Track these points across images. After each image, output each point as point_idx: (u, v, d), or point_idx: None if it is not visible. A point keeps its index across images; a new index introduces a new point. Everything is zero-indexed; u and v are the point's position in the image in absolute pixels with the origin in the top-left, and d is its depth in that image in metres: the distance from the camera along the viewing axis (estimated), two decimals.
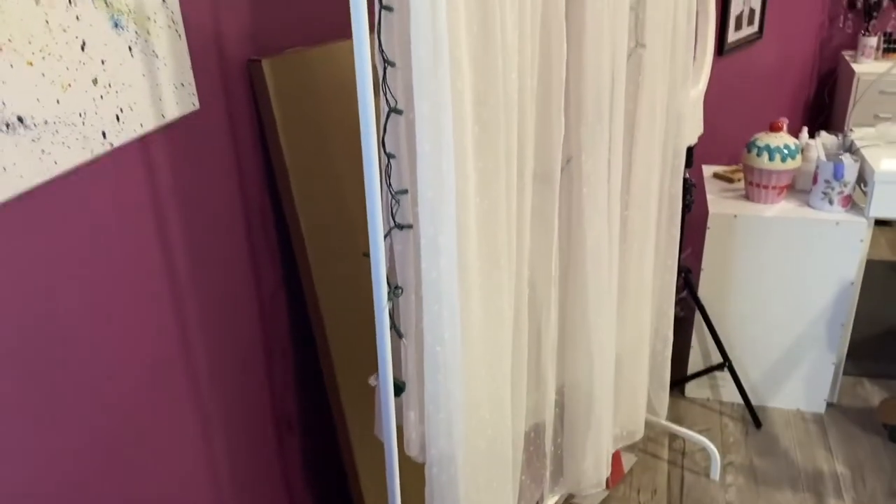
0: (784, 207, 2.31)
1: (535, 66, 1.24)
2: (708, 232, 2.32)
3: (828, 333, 2.35)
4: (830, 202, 2.25)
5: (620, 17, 1.42)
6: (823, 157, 2.25)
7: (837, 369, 2.42)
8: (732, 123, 3.00)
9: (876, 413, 2.41)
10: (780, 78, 3.50)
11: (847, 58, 3.82)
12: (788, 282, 2.32)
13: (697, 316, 2.41)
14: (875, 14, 3.71)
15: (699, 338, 2.45)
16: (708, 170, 2.61)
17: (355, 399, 1.47)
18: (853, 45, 3.83)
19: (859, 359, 2.67)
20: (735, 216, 2.29)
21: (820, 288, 2.30)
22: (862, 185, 2.24)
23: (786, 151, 2.25)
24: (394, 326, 1.19)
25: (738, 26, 2.90)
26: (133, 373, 1.03)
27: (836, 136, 2.42)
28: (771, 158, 2.25)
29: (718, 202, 2.36)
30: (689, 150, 2.24)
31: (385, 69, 1.05)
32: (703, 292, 2.39)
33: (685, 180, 2.29)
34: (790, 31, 3.46)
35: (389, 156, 1.10)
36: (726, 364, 2.38)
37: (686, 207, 2.32)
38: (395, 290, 1.15)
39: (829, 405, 2.47)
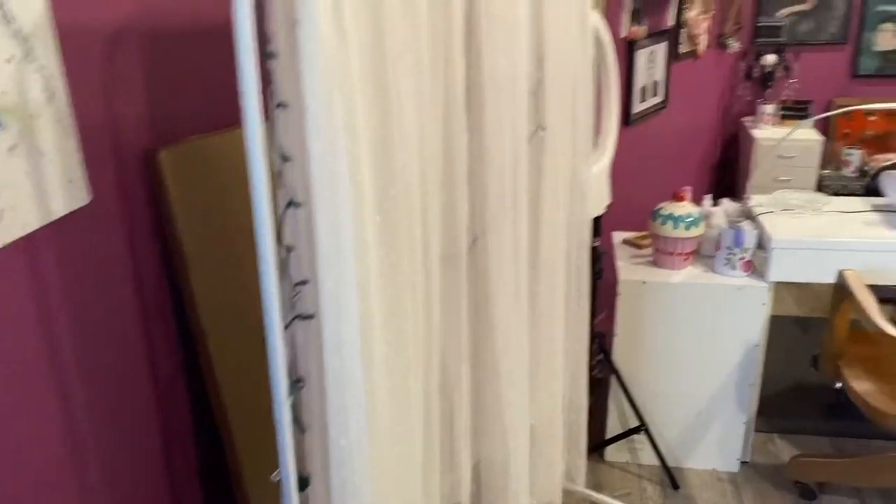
0: (690, 273, 2.39)
1: (437, 153, 1.27)
2: (618, 298, 2.38)
3: (737, 394, 2.42)
4: (733, 267, 2.35)
5: (520, 102, 1.47)
6: (725, 225, 2.36)
7: (749, 428, 2.49)
8: (642, 190, 3.11)
9: (786, 470, 2.48)
10: (687, 144, 3.67)
11: (747, 124, 4.05)
12: (698, 344, 2.39)
13: (614, 379, 2.45)
14: (770, 83, 3.95)
15: (616, 401, 2.49)
16: (619, 236, 2.69)
17: (262, 493, 1.42)
18: (753, 111, 4.06)
19: (770, 416, 2.76)
20: (644, 282, 2.36)
21: (727, 350, 2.38)
22: (761, 251, 2.35)
23: (689, 220, 2.34)
24: (296, 420, 1.16)
25: (644, 97, 3.04)
26: (20, 483, 0.97)
27: (738, 202, 2.55)
28: (675, 227, 2.34)
29: (628, 269, 2.43)
30: (598, 220, 2.32)
31: (282, 163, 1.05)
32: (618, 356, 2.44)
33: (594, 249, 2.35)
34: (694, 100, 3.65)
35: (289, 248, 1.09)
36: (643, 427, 2.42)
37: (596, 275, 2.38)
38: (295, 383, 1.13)
39: (743, 464, 2.53)
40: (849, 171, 3.93)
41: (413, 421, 1.27)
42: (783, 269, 2.29)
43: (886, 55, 3.96)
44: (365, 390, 1.13)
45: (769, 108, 3.92)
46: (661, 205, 2.40)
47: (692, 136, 3.71)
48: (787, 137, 3.80)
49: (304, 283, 1.13)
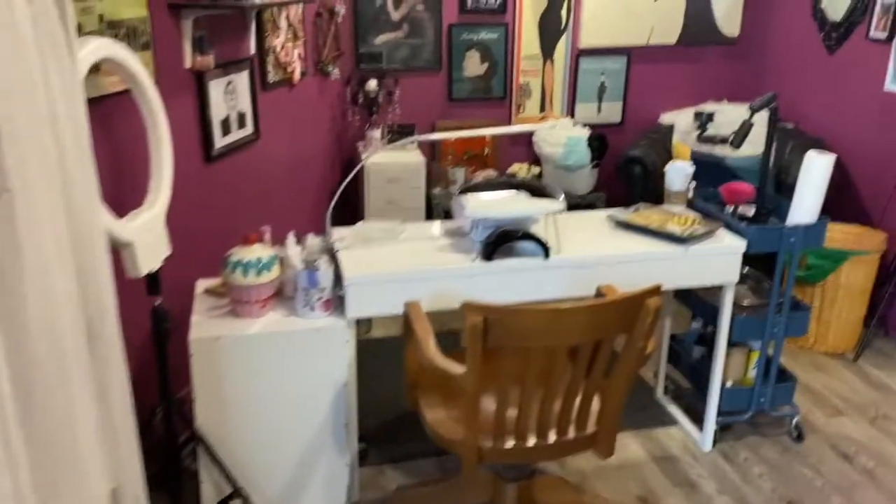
0: (270, 320, 2.25)
1: None
2: (192, 359, 2.15)
3: (333, 437, 2.34)
4: (312, 308, 2.25)
5: None
6: (299, 266, 2.25)
7: (353, 468, 2.42)
8: (236, 230, 2.91)
9: None
10: (294, 175, 3.56)
11: (360, 150, 4.10)
12: (286, 393, 2.25)
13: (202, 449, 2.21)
14: (375, 109, 4.03)
15: (207, 471, 2.25)
16: (204, 285, 2.46)
17: None
18: (364, 136, 4.11)
19: (380, 446, 2.74)
20: (217, 338, 2.15)
21: (316, 394, 2.28)
22: (338, 289, 2.28)
23: (259, 265, 2.19)
24: None
25: (227, 131, 2.85)
26: None
27: (320, 238, 2.47)
28: (245, 274, 2.18)
29: (203, 324, 2.21)
30: (154, 276, 2.06)
31: None
32: (203, 420, 2.21)
33: (157, 309, 2.10)
34: (297, 129, 3.56)
35: None
36: (238, 493, 2.22)
37: (163, 337, 2.13)
38: None
39: None
40: (456, 189, 4.15)
41: None
42: (360, 305, 2.25)
43: (474, 80, 4.28)
44: None
45: (376, 133, 4.00)
46: (231, 250, 2.22)
47: (300, 166, 3.62)
48: (394, 161, 3.91)
49: None
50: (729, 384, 2.78)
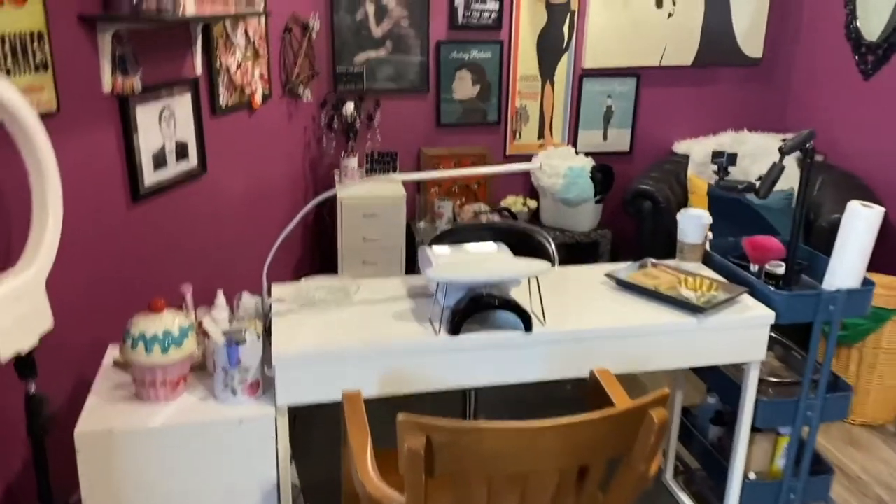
0: (181, 406, 1.80)
1: None
2: (79, 456, 1.71)
3: None
4: (234, 392, 1.81)
5: None
6: (219, 340, 1.81)
7: None
8: (165, 282, 2.49)
9: None
10: (256, 211, 3.14)
11: (336, 179, 3.68)
12: (197, 500, 1.81)
13: None
14: (353, 134, 3.61)
15: None
16: (114, 353, 2.03)
17: None
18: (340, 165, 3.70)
19: None
20: (111, 431, 1.72)
21: (241, 497, 1.84)
22: (266, 368, 1.84)
23: (168, 339, 1.76)
24: None
25: (162, 164, 2.43)
26: None
27: (255, 298, 2.03)
28: (148, 349, 1.74)
29: (96, 410, 1.77)
30: (26, 357, 1.63)
31: None
32: None
33: (32, 397, 1.67)
34: (260, 159, 3.14)
35: None
36: None
37: (41, 430, 1.69)
38: None
39: None
40: (443, 223, 3.73)
41: None
42: (293, 390, 1.81)
43: (465, 103, 3.85)
44: None
45: (353, 162, 3.58)
46: (133, 319, 1.79)
47: (261, 202, 3.19)
48: (372, 194, 3.48)
49: None
50: (752, 476, 2.31)
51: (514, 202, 3.83)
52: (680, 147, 3.99)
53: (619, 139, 4.05)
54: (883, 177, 3.53)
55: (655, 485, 2.64)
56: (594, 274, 2.26)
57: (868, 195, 3.46)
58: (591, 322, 1.96)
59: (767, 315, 2.03)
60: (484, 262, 1.94)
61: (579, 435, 1.33)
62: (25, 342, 1.61)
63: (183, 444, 1.76)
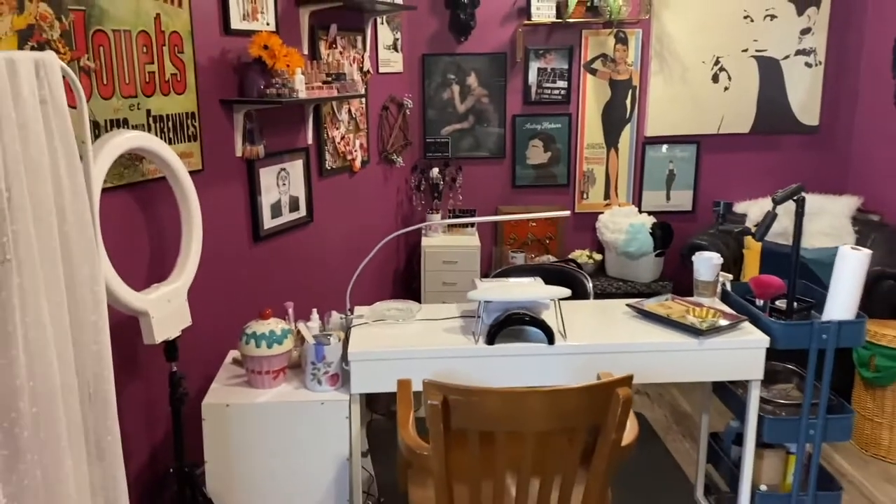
0: (280, 391, 2.37)
1: None
2: (204, 423, 2.30)
3: None
4: (319, 382, 2.35)
5: None
6: (311, 341, 2.37)
7: None
8: (277, 304, 3.10)
9: None
10: (354, 255, 3.74)
11: (424, 232, 4.25)
12: (291, 464, 2.34)
13: None
14: (437, 194, 4.20)
15: None
16: (234, 355, 2.63)
17: None
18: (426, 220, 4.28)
19: None
20: (227, 405, 2.29)
21: (320, 466, 2.35)
22: (344, 364, 2.38)
23: (272, 338, 2.33)
24: None
25: (278, 213, 3.07)
26: None
27: (340, 315, 2.59)
28: (258, 345, 2.32)
29: (218, 391, 2.36)
30: (172, 343, 2.24)
31: None
32: (213, 484, 2.33)
33: (173, 374, 2.27)
34: (357, 213, 3.76)
35: None
36: None
37: (178, 401, 2.28)
38: None
39: None
40: None
41: None
42: (363, 380, 2.33)
43: (537, 168, 4.37)
44: None
45: (436, 217, 4.15)
46: (248, 323, 2.38)
47: (360, 248, 3.80)
48: (451, 243, 4.03)
49: None
50: (763, 488, 2.60)
51: (580, 255, 4.27)
52: (739, 207, 4.31)
53: (681, 199, 4.44)
54: None
55: (689, 502, 2.94)
56: (619, 305, 2.68)
57: None
58: (606, 339, 2.39)
59: (762, 339, 2.38)
60: (516, 288, 2.42)
61: (561, 401, 1.77)
62: (172, 332, 2.22)
63: (280, 418, 2.31)
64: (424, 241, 4.05)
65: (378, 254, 4.06)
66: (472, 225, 4.22)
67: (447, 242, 4.03)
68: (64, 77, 1.67)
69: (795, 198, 2.44)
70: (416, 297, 4.33)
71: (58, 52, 2.00)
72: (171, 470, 2.32)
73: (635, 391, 3.94)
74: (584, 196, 4.41)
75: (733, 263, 4.04)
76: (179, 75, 2.49)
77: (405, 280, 4.42)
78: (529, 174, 4.39)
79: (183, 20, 2.49)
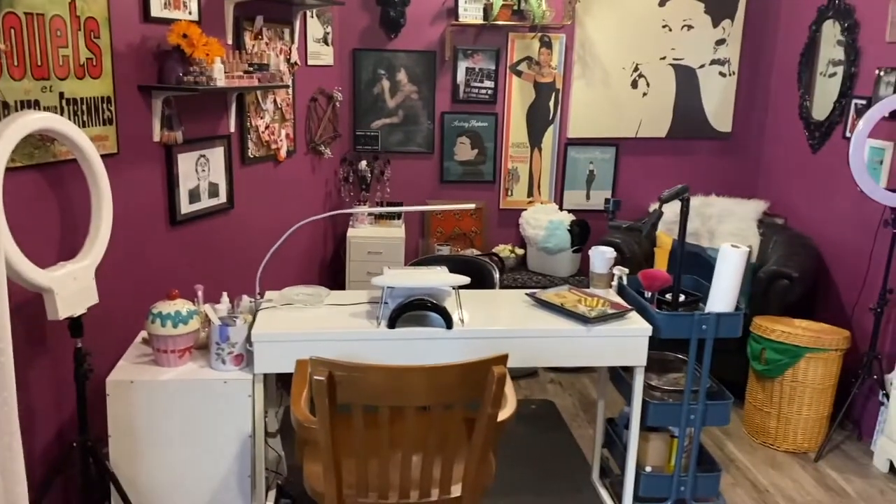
0: (186, 370, 2.44)
1: None
2: (108, 399, 2.36)
3: (239, 487, 2.47)
4: (223, 362, 2.44)
5: None
6: (217, 322, 2.45)
7: None
8: (193, 286, 3.16)
9: None
10: (271, 243, 3.79)
11: (350, 223, 4.35)
12: (193, 441, 2.42)
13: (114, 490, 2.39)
14: (365, 186, 4.30)
15: None
16: (143, 334, 2.69)
17: None
18: None
19: None
20: (132, 382, 2.36)
21: (223, 443, 2.44)
22: (248, 345, 2.46)
23: (177, 318, 2.41)
24: None
25: (196, 199, 3.13)
26: None
27: (250, 299, 2.68)
28: (163, 324, 2.40)
29: (124, 368, 2.43)
30: (77, 320, 2.29)
31: None
32: (116, 459, 2.39)
33: (79, 350, 2.32)
34: (280, 201, 3.84)
35: None
36: None
37: (83, 377, 2.34)
38: None
39: None
40: None
41: None
42: (265, 361, 2.42)
43: (464, 164, 4.51)
44: None
45: (363, 209, 4.24)
46: (155, 304, 2.45)
47: (279, 236, 3.86)
48: (377, 235, 4.13)
49: None
50: (648, 469, 2.78)
51: (503, 249, 4.42)
52: (653, 208, 4.51)
53: (600, 199, 4.62)
54: (828, 238, 3.97)
55: (585, 483, 3.11)
56: (522, 295, 2.82)
57: (813, 253, 3.91)
58: (500, 325, 2.53)
59: (646, 328, 2.55)
60: (419, 275, 2.54)
61: (440, 377, 1.89)
62: (77, 309, 2.27)
63: (183, 395, 2.38)
64: (350, 232, 4.15)
65: (305, 243, 4.15)
66: (399, 217, 4.33)
67: (373, 234, 4.14)
68: None
69: (681, 197, 2.62)
70: (342, 287, 4.43)
71: None
72: (74, 444, 2.38)
73: (548, 381, 4.11)
74: (509, 193, 4.57)
75: (644, 260, 4.24)
76: (95, 60, 2.54)
77: (332, 270, 4.51)
78: (457, 170, 4.52)
79: (100, 6, 2.54)
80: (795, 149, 4.29)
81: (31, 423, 2.37)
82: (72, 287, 2.25)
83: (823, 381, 3.36)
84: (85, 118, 2.52)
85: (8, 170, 2.05)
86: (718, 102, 4.55)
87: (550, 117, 4.48)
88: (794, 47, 4.29)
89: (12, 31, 2.20)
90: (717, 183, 4.65)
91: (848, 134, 3.79)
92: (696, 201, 4.45)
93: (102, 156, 2.37)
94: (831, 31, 3.99)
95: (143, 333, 2.67)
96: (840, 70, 3.89)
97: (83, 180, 2.35)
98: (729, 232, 4.30)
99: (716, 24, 4.46)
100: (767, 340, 3.42)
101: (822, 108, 4.06)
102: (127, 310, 2.75)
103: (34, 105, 2.31)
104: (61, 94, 2.42)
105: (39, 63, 2.31)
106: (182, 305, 2.44)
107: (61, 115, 2.39)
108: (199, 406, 2.40)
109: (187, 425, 2.41)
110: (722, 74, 4.52)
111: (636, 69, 4.45)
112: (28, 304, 2.28)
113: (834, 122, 3.95)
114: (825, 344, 3.34)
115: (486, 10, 4.22)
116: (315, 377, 1.85)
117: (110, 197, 2.39)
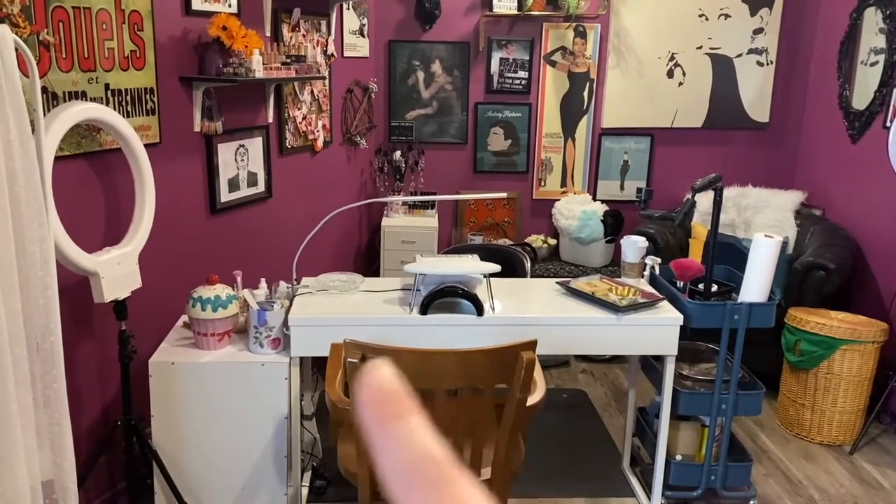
0: (225, 353, 2.52)
1: None
2: (151, 380, 2.45)
3: (275, 466, 2.55)
4: (261, 345, 2.51)
5: None
6: (255, 306, 2.53)
7: (295, 499, 2.61)
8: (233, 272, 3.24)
9: None
10: (307, 231, 3.87)
11: (385, 213, 4.40)
12: (232, 421, 2.50)
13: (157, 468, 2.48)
14: (399, 177, 4.35)
15: (161, 485, 2.51)
16: (184, 318, 2.77)
17: None
18: None
19: (344, 486, 2.92)
20: (173, 363, 2.45)
21: (260, 424, 2.51)
22: (285, 329, 2.53)
23: (217, 302, 2.48)
24: None
25: (236, 188, 3.21)
26: None
27: (288, 285, 2.75)
28: (203, 308, 2.47)
29: (166, 350, 2.51)
30: (121, 304, 2.38)
31: None
32: (158, 438, 2.48)
33: (123, 332, 2.41)
34: (317, 191, 3.91)
35: None
36: None
37: (126, 358, 2.43)
38: None
39: None
40: None
41: None
42: (302, 345, 2.48)
43: (497, 155, 4.53)
44: None
45: (397, 198, 4.30)
46: (196, 288, 2.53)
47: (315, 224, 3.94)
48: (410, 224, 4.18)
49: None
50: (678, 458, 2.79)
51: (535, 239, 4.44)
52: (687, 197, 4.48)
53: (634, 190, 4.60)
54: (867, 229, 3.91)
55: (615, 471, 3.13)
56: (552, 284, 2.84)
57: (851, 245, 3.86)
58: (531, 312, 2.55)
59: (677, 317, 2.56)
60: (451, 262, 2.58)
61: (469, 361, 1.93)
62: (121, 293, 2.36)
63: (222, 377, 2.46)
64: (385, 222, 4.21)
65: (340, 232, 4.21)
66: (432, 207, 4.37)
67: (407, 223, 4.19)
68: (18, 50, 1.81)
69: (714, 187, 2.61)
70: (376, 275, 4.49)
71: (17, 25, 2.14)
72: (119, 423, 2.47)
73: (580, 371, 4.13)
74: (542, 183, 4.58)
75: (679, 251, 4.22)
76: (139, 52, 2.62)
77: (366, 259, 4.58)
78: (490, 160, 4.54)
79: (143, 0, 2.62)
80: (834, 139, 4.23)
81: (78, 401, 2.48)
82: (116, 271, 2.34)
83: (860, 374, 3.33)
84: (129, 108, 2.60)
85: (57, 158, 2.14)
86: (756, 92, 4.50)
87: (584, 107, 4.48)
88: (834, 36, 4.22)
89: (60, 24, 2.29)
90: (753, 173, 4.60)
91: (888, 124, 3.73)
92: (732, 192, 4.42)
93: (145, 145, 2.45)
94: (873, 19, 3.92)
95: (184, 317, 2.76)
96: (882, 59, 3.82)
97: (127, 169, 2.44)
98: (765, 223, 4.26)
99: (753, 13, 4.40)
100: (802, 332, 3.39)
101: (862, 97, 4.00)
102: (168, 294, 2.84)
103: (81, 96, 2.40)
104: (107, 86, 2.50)
105: (86, 55, 2.40)
106: (222, 290, 2.52)
107: (107, 105, 2.48)
108: (237, 388, 2.48)
109: (226, 406, 2.49)
110: (759, 64, 4.47)
111: (672, 58, 4.42)
112: (75, 287, 2.38)
113: (874, 112, 3.88)
114: (862, 336, 3.30)
115: (521, 1, 4.22)
116: (349, 359, 1.91)
117: (153, 185, 2.48)
